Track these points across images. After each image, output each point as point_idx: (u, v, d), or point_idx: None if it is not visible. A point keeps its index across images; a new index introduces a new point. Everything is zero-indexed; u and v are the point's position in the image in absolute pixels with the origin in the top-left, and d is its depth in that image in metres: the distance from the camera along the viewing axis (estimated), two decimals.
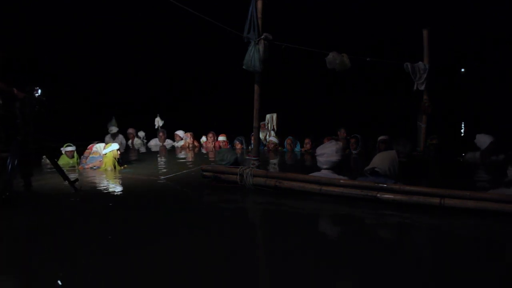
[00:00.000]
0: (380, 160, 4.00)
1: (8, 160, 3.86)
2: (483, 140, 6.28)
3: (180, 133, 9.87)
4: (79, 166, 6.14)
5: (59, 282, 2.22)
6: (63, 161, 6.45)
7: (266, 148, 8.64)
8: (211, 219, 3.55)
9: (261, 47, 4.63)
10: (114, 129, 9.58)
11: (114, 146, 6.08)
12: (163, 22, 10.42)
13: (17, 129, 3.91)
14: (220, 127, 9.77)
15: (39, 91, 4.03)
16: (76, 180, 4.48)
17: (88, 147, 6.30)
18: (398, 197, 3.69)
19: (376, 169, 3.96)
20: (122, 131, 9.88)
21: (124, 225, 3.31)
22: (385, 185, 3.78)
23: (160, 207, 3.99)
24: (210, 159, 7.39)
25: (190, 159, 7.54)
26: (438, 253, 2.70)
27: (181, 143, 9.67)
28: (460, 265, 2.48)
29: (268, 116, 6.12)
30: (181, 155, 8.22)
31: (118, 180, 5.32)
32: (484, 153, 6.29)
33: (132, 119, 10.43)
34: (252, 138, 5.10)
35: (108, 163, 5.96)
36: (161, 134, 10.02)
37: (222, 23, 4.76)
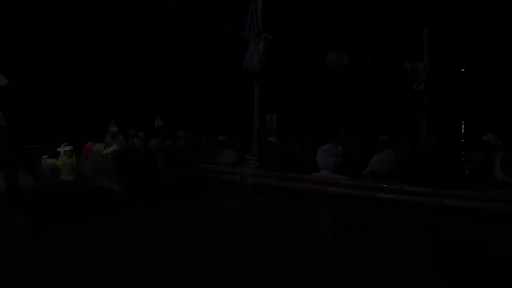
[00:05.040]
0: (379, 162, 4.00)
1: (15, 160, 3.89)
2: (489, 140, 6.23)
3: (180, 133, 9.89)
4: (79, 166, 6.15)
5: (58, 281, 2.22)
6: (61, 161, 6.39)
7: (266, 148, 8.62)
8: (210, 219, 3.54)
9: (261, 47, 4.63)
10: (114, 129, 9.57)
11: (115, 146, 6.09)
12: (163, 22, 10.42)
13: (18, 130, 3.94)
14: (220, 127, 9.76)
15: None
16: (42, 175, 4.54)
17: (88, 147, 6.30)
18: (398, 197, 3.69)
19: (375, 171, 3.96)
20: (122, 131, 9.86)
21: (124, 225, 3.31)
22: (385, 185, 3.78)
23: (159, 207, 3.98)
24: (210, 159, 7.38)
25: (190, 159, 7.54)
26: (438, 253, 2.70)
27: (180, 143, 9.68)
28: (459, 265, 2.48)
29: (268, 116, 6.12)
30: (181, 155, 8.22)
31: (118, 180, 5.32)
32: (487, 154, 6.25)
33: (132, 119, 10.42)
34: (252, 138, 5.10)
35: (109, 163, 5.96)
36: (161, 134, 10.02)
37: (222, 23, 4.76)
